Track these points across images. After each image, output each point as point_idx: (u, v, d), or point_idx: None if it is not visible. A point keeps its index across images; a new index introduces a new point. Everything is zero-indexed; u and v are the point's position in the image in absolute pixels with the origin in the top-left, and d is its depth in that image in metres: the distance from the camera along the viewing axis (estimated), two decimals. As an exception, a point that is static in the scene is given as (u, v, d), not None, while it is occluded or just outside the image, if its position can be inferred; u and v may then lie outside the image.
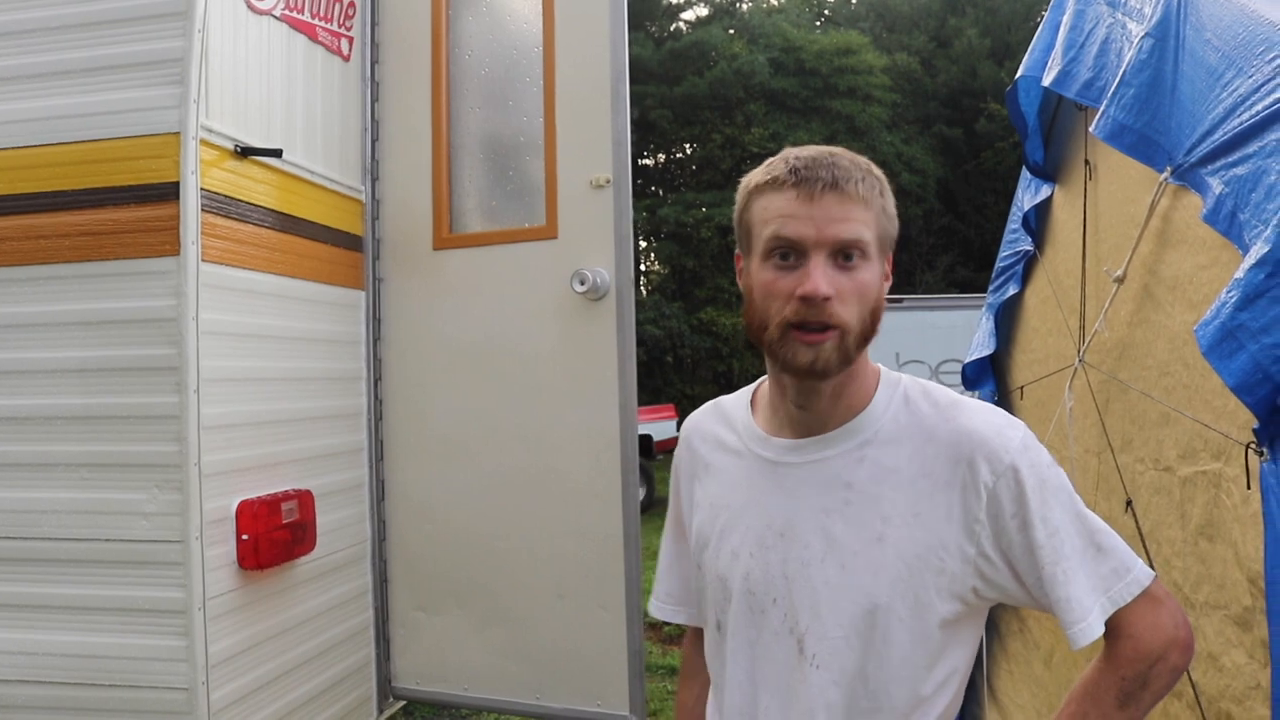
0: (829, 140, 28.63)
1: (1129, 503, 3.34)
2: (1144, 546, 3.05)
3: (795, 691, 1.47)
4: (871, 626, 1.43)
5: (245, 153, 3.13)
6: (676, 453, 1.76)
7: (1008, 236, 5.43)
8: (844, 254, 1.39)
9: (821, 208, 1.38)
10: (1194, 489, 2.67)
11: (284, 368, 3.35)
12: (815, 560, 1.46)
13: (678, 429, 20.70)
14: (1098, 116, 3.03)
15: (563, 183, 3.59)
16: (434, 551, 3.80)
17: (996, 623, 5.47)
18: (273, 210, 3.32)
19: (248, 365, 3.15)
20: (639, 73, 29.38)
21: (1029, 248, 5.05)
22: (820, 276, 1.37)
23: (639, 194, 32.76)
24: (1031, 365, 5.11)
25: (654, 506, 14.38)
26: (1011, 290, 5.31)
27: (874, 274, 1.41)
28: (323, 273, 3.60)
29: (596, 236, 3.50)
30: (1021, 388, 5.21)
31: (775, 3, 32.70)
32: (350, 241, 3.80)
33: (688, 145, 32.31)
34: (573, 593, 3.57)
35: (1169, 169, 2.65)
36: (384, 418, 3.87)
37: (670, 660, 8.52)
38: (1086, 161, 4.06)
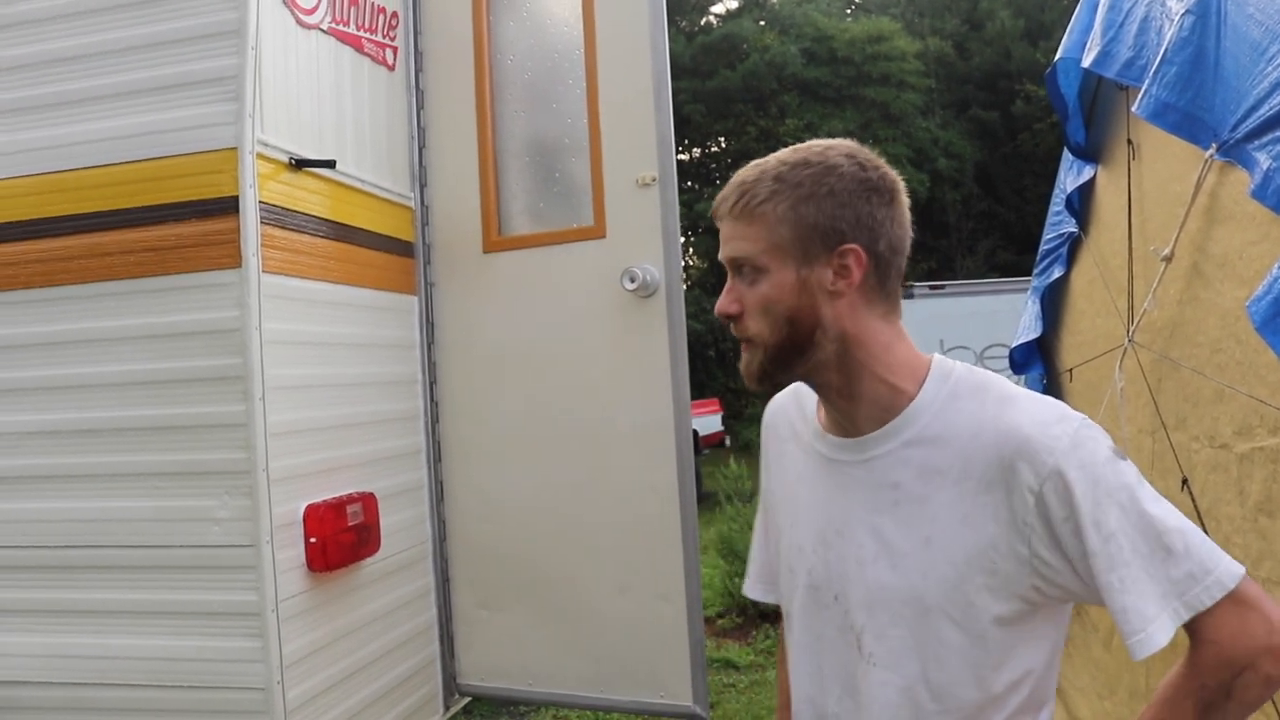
0: (863, 128, 28.47)
1: (1185, 481, 3.33)
2: (1202, 524, 3.04)
3: (859, 687, 1.47)
4: (925, 627, 1.40)
5: (300, 165, 3.20)
6: (762, 434, 1.73)
7: (1051, 219, 5.40)
8: (739, 270, 1.45)
9: (724, 230, 1.47)
10: (1252, 465, 2.64)
11: (344, 373, 3.43)
12: (868, 560, 1.44)
13: (722, 424, 20.63)
14: (1140, 96, 3.00)
15: (609, 182, 3.64)
16: (494, 550, 3.86)
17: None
18: (327, 220, 3.39)
19: (309, 372, 3.22)
20: (672, 68, 28.95)
21: (1073, 229, 5.02)
22: (723, 296, 1.46)
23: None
24: (1080, 347, 5.09)
25: (702, 502, 14.39)
26: (1057, 272, 5.28)
27: (776, 283, 1.41)
28: (377, 279, 3.67)
29: (644, 234, 3.54)
30: (1070, 370, 5.19)
31: (805, -7, 32.48)
32: (402, 248, 3.87)
33: (722, 139, 32.20)
34: (633, 586, 3.61)
35: (1214, 145, 2.61)
36: (440, 419, 3.94)
37: (724, 654, 8.50)
38: (1129, 141, 4.03)
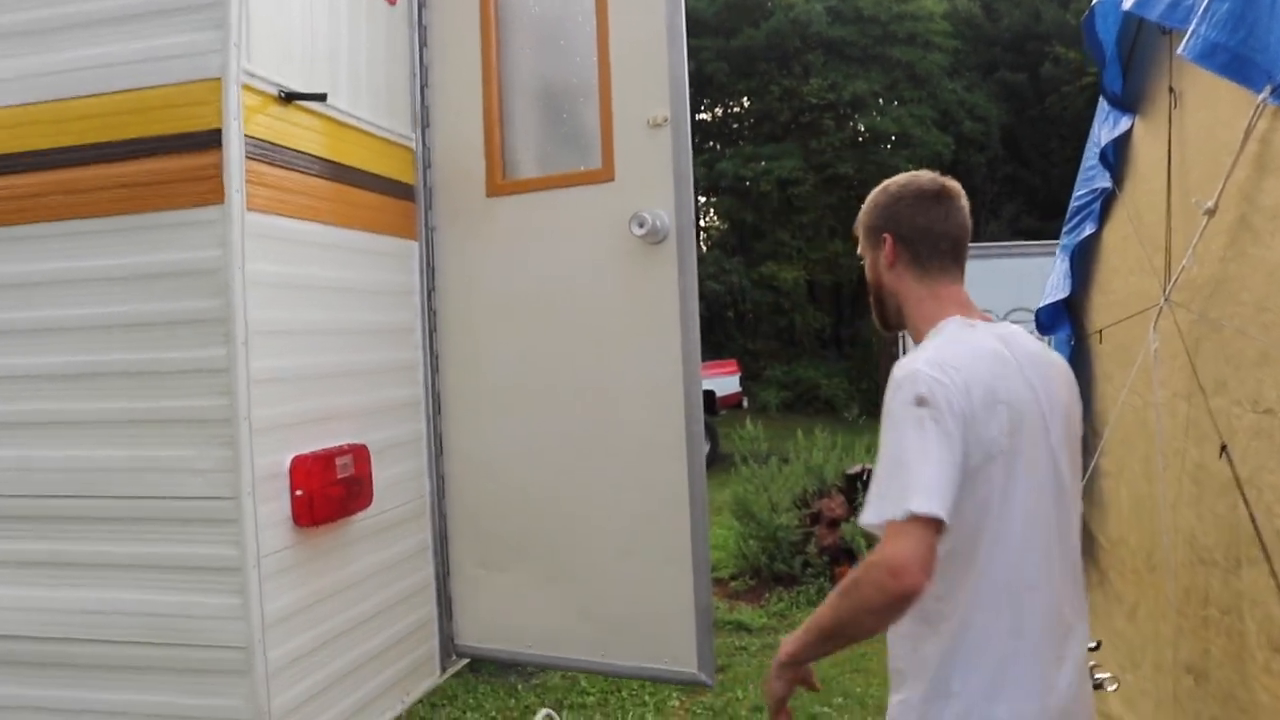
0: (889, 89, 28.03)
1: (1224, 448, 3.17)
2: (1241, 493, 2.88)
3: None
4: None
5: (290, 98, 3.02)
6: None
7: (1083, 174, 5.18)
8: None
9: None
10: None
11: (336, 319, 3.26)
12: None
13: (740, 385, 20.50)
14: (1187, 36, 2.79)
15: (618, 123, 3.45)
16: (494, 507, 3.71)
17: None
18: (321, 158, 3.22)
19: (298, 317, 3.06)
20: (694, 25, 28.87)
21: (1107, 184, 4.80)
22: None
23: (697, 150, 32.21)
24: (1111, 307, 4.89)
25: (717, 462, 14.25)
26: (1088, 230, 5.06)
27: (867, 266, 2.28)
28: (374, 222, 3.50)
29: (655, 178, 3.35)
30: (1100, 331, 4.99)
31: (832, -50, 32.03)
32: (401, 190, 3.69)
33: (745, 98, 31.89)
34: (638, 548, 3.46)
35: (1269, 88, 2.45)
36: (440, 370, 3.77)
37: (736, 616, 8.42)
38: (1171, 89, 3.84)
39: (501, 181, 3.69)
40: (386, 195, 3.59)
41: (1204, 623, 3.26)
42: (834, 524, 9.25)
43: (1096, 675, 4.14)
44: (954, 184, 2.25)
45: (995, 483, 1.96)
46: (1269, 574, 2.98)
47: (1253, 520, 2.78)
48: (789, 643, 2.01)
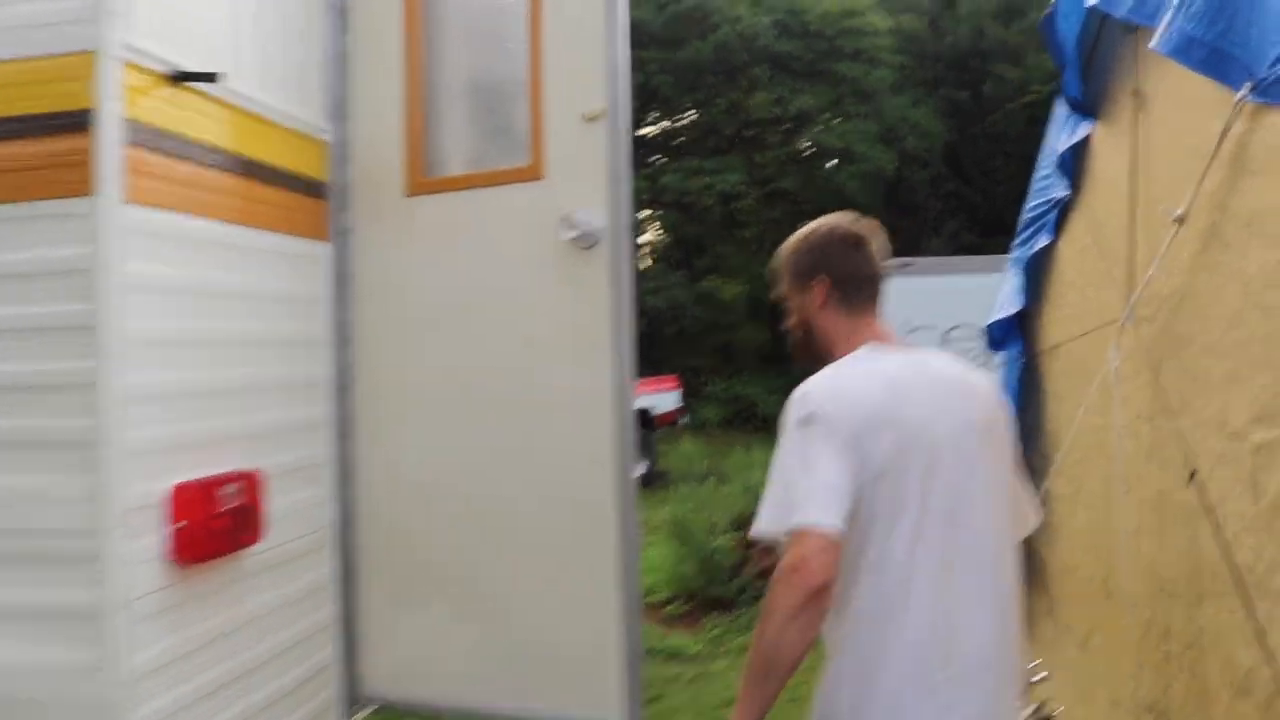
0: (834, 104, 28.07)
1: (1193, 474, 2.97)
2: (1215, 522, 2.66)
3: None
4: None
5: (180, 78, 2.69)
6: None
7: (1036, 184, 4.98)
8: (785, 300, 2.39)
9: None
10: (1270, 457, 2.35)
11: (231, 329, 2.92)
12: None
13: (680, 401, 20.34)
14: (1160, 30, 2.61)
15: (550, 117, 3.15)
16: (409, 537, 3.38)
17: (1024, 604, 5.08)
18: (219, 149, 2.89)
19: (185, 325, 2.72)
20: (640, 36, 28.69)
21: (1064, 193, 4.60)
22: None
23: (640, 163, 32.18)
24: (1066, 322, 4.69)
25: (656, 480, 14.03)
26: (1043, 241, 4.86)
27: (792, 309, 2.35)
28: (279, 221, 3.17)
29: (588, 176, 3.06)
30: (1056, 346, 4.78)
31: (779, -35, 32.05)
32: (312, 187, 3.36)
33: (691, 111, 31.79)
34: (564, 583, 3.16)
35: (1248, 85, 2.28)
36: (351, 386, 3.44)
37: (671, 642, 8.15)
38: (1136, 92, 3.65)
39: (423, 179, 3.38)
40: (295, 192, 3.26)
41: (1166, 658, 3.13)
42: (772, 547, 9.05)
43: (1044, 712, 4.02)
44: (870, 225, 2.41)
45: (880, 502, 2.06)
46: (1233, 611, 2.81)
47: (1225, 549, 2.58)
48: (734, 715, 2.01)
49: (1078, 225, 4.52)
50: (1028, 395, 5.08)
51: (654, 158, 31.55)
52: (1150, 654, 3.29)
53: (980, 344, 12.53)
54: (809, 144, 29.79)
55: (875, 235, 2.41)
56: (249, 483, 2.81)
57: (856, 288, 2.35)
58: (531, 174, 3.16)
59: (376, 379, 3.43)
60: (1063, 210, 4.65)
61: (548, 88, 3.17)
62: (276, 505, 2.97)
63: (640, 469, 12.25)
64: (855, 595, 2.08)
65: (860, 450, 2.03)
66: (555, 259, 3.08)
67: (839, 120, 28.93)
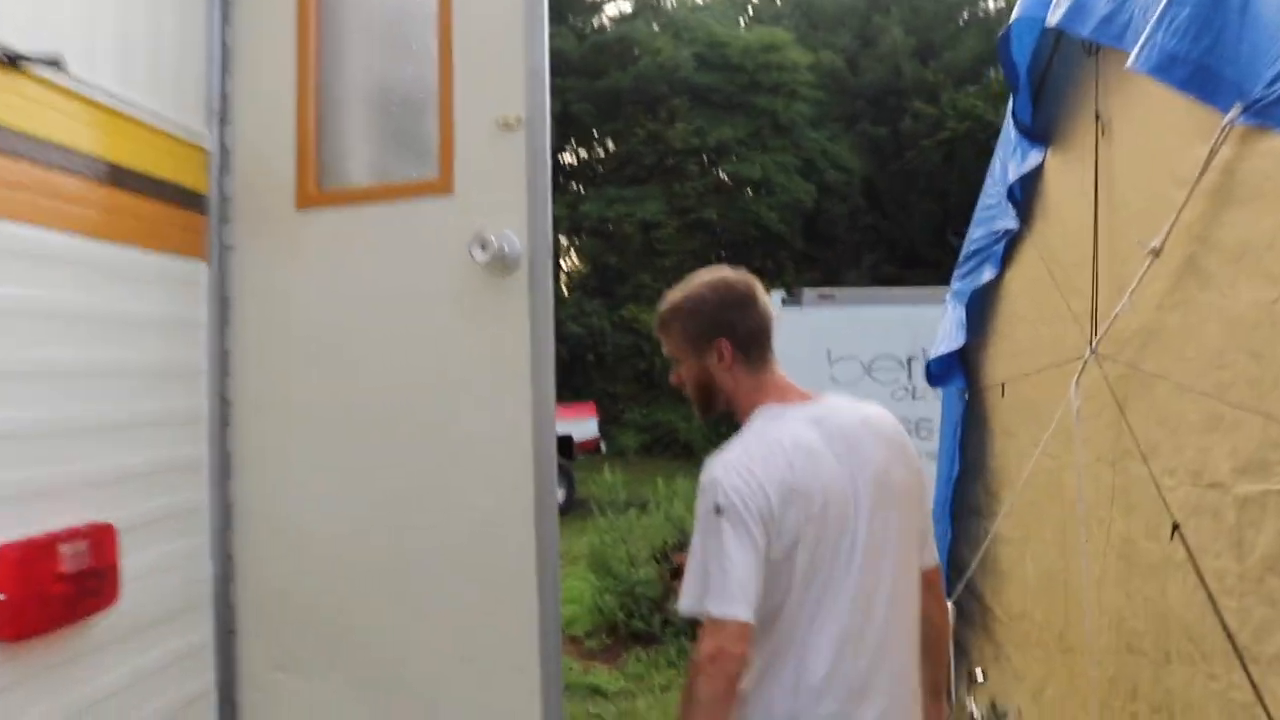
0: (753, 136, 28.34)
1: (1176, 527, 2.75)
2: (1198, 573, 2.44)
3: None
4: None
5: (14, 61, 2.28)
6: None
7: (979, 215, 4.74)
8: (673, 360, 2.44)
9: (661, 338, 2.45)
10: (1260, 511, 2.18)
11: (81, 358, 2.49)
12: None
13: (599, 429, 20.13)
14: (1139, 47, 2.42)
15: (461, 124, 2.80)
16: (298, 592, 2.97)
17: (968, 650, 4.83)
18: (69, 149, 2.49)
19: (18, 355, 2.29)
20: (561, 65, 28.61)
21: (1012, 225, 4.37)
22: (672, 374, 2.46)
23: (560, 190, 32.01)
24: (1015, 358, 4.44)
25: (573, 509, 13.71)
26: (987, 275, 4.62)
27: (687, 368, 2.40)
28: (146, 235, 2.76)
29: (504, 191, 2.71)
30: (1004, 384, 4.52)
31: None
32: (188, 198, 2.95)
33: (610, 141, 31.79)
34: (475, 646, 2.78)
35: (1239, 106, 2.10)
36: (232, 422, 3.02)
37: (592, 679, 7.90)
38: (1098, 116, 3.43)
39: (317, 191, 2.99)
40: (167, 203, 2.86)
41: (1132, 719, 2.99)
42: None
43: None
44: (751, 277, 2.44)
45: (798, 567, 2.18)
46: (1213, 676, 2.59)
47: (1215, 610, 2.33)
48: None
49: (1027, 257, 4.29)
50: (970, 432, 4.81)
51: (573, 185, 31.47)
52: (1116, 713, 3.09)
53: (904, 375, 12.41)
54: (728, 174, 29.93)
55: (760, 288, 2.48)
56: (99, 537, 2.37)
57: (756, 344, 2.42)
58: (440, 187, 2.80)
59: (261, 414, 3.02)
60: (1010, 242, 4.42)
61: (459, 92, 2.83)
62: (139, 560, 2.54)
63: (558, 497, 12.00)
64: (763, 651, 2.21)
65: (774, 528, 2.16)
66: (468, 283, 2.72)
67: (758, 152, 29.10)
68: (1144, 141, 3.11)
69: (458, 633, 2.80)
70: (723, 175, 30.34)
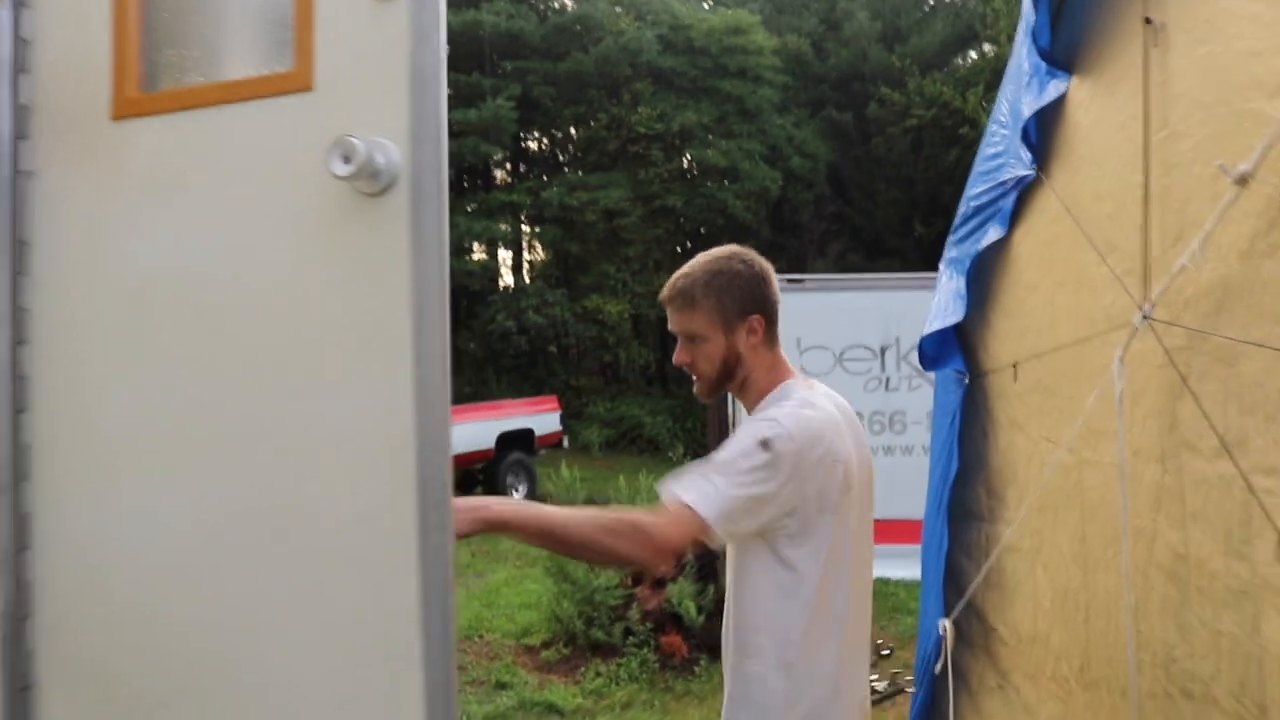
0: (718, 121, 28.02)
1: None
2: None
3: None
4: None
5: None
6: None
7: (980, 166, 4.05)
8: (690, 339, 2.62)
9: (673, 315, 2.65)
10: None
11: None
12: None
13: (561, 423, 19.87)
14: None
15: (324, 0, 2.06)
16: (112, 635, 2.21)
17: (966, 676, 4.17)
18: None
19: None
20: (521, 48, 27.97)
21: (1025, 172, 3.69)
22: (679, 353, 2.65)
23: (520, 177, 31.34)
24: (1027, 334, 3.76)
25: (536, 507, 13.20)
26: (993, 234, 3.92)
27: (714, 346, 2.59)
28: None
29: (378, 85, 1.97)
30: (1015, 365, 3.85)
31: (663, -20, 31.91)
32: (-36, 105, 2.21)
33: (572, 126, 31.24)
34: (345, 694, 2.05)
35: None
36: (29, 408, 2.27)
37: (548, 695, 7.43)
38: (1148, 20, 2.76)
39: (137, 95, 2.23)
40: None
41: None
42: (659, 584, 8.47)
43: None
44: None
45: (829, 534, 2.37)
46: None
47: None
48: (507, 511, 2.27)
49: (1043, 212, 3.61)
50: (971, 420, 4.14)
51: (534, 172, 30.91)
52: (1162, 772, 2.58)
53: (876, 366, 11.74)
54: (694, 161, 29.55)
55: None
56: None
57: (777, 320, 2.61)
58: (296, 83, 2.06)
59: (67, 397, 2.26)
60: (1022, 194, 3.75)
61: (324, -43, 2.08)
62: None
63: (519, 494, 11.60)
64: (811, 643, 2.38)
65: (809, 487, 2.32)
66: (326, 209, 1.97)
67: (724, 138, 28.69)
68: (1215, 46, 2.51)
69: (317, 673, 2.07)
70: (687, 161, 29.94)
